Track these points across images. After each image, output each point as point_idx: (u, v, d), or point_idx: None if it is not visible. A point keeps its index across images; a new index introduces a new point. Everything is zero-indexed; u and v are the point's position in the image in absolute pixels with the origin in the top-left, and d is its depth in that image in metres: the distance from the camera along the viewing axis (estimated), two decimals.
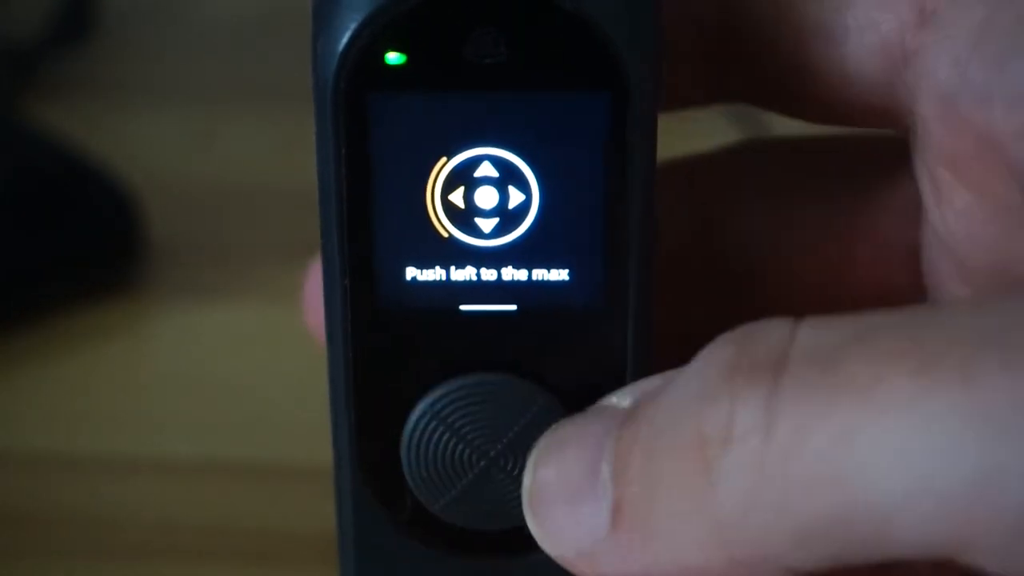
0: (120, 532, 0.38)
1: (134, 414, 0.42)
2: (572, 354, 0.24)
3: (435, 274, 0.23)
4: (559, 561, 0.22)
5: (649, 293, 0.23)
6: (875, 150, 0.27)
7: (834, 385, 0.18)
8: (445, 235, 0.23)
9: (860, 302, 0.27)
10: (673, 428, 0.20)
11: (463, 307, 0.23)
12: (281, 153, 0.54)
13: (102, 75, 0.59)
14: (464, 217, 0.23)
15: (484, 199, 0.23)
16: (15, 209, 0.46)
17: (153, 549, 0.38)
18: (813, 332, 0.19)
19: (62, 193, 0.47)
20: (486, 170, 0.23)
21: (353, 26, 0.21)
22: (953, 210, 0.25)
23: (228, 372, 0.44)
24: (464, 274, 0.23)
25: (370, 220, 0.23)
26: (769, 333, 0.20)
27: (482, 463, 0.24)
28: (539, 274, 0.23)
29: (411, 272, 0.23)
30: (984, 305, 0.19)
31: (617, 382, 0.23)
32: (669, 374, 0.22)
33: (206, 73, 0.60)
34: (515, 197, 0.23)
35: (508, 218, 0.23)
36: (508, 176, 0.23)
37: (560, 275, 0.23)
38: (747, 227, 0.28)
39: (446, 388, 0.24)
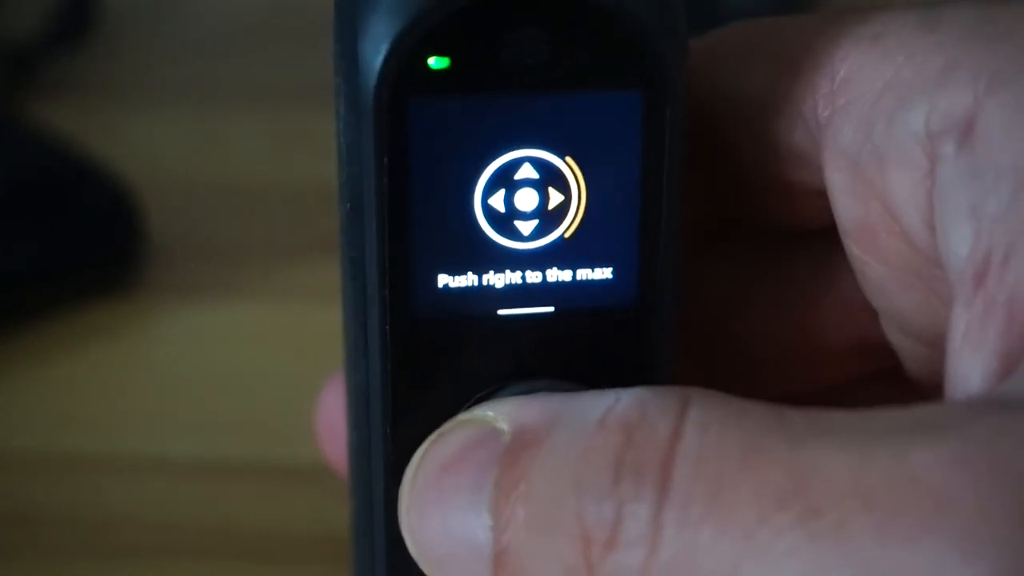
0: (120, 532, 0.38)
1: (134, 414, 0.42)
2: (607, 354, 0.24)
3: (475, 279, 0.23)
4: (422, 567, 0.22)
5: (682, 291, 0.23)
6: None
7: (721, 517, 0.19)
8: (486, 239, 0.23)
9: (831, 353, 0.27)
10: (555, 506, 0.20)
11: (501, 311, 0.23)
12: (281, 153, 0.54)
13: (101, 75, 0.59)
14: (504, 220, 0.23)
15: (525, 201, 0.23)
16: (14, 209, 0.46)
17: (153, 549, 0.38)
18: (699, 433, 0.20)
19: (61, 193, 0.47)
20: (527, 172, 0.22)
21: (395, 33, 0.21)
22: (871, 286, 0.25)
23: (228, 371, 0.44)
24: (503, 278, 0.23)
25: (412, 227, 0.22)
26: (655, 426, 0.20)
27: None
28: (577, 274, 0.23)
29: (451, 279, 0.23)
30: (868, 451, 0.19)
31: (648, 380, 0.23)
32: (548, 407, 0.22)
33: (205, 73, 0.60)
34: (555, 198, 0.23)
35: (548, 220, 0.23)
36: (549, 177, 0.23)
37: (598, 275, 0.23)
38: (709, 281, 0.28)
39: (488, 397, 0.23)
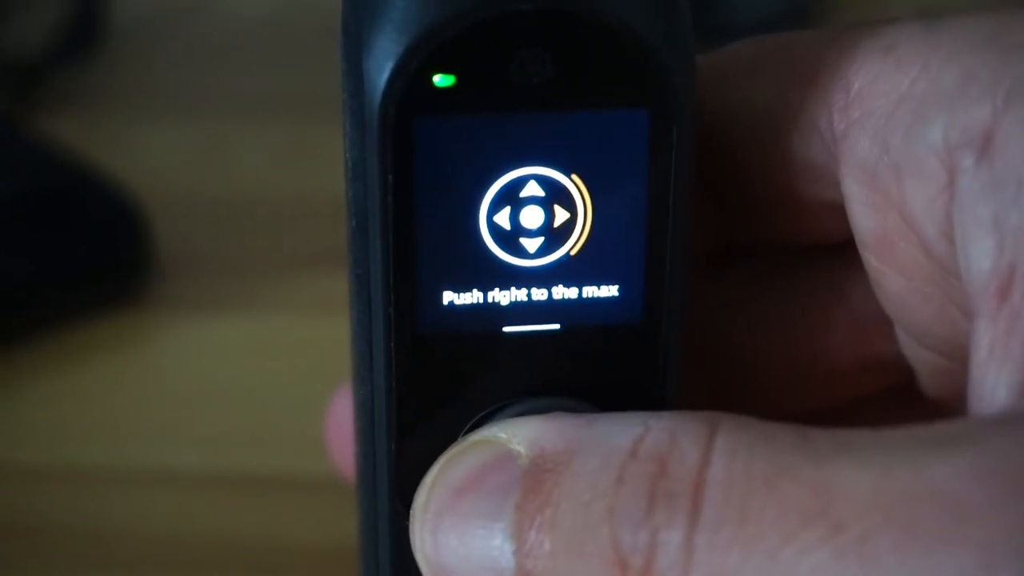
0: (124, 545, 0.38)
1: (141, 426, 0.42)
2: (613, 371, 0.23)
3: (480, 296, 0.23)
4: None
5: (686, 309, 0.23)
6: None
7: (747, 539, 0.19)
8: (491, 256, 0.23)
9: (843, 370, 0.27)
10: (587, 533, 0.21)
11: (507, 328, 0.23)
12: (287, 165, 0.54)
13: (108, 88, 0.59)
14: (510, 238, 0.23)
15: (530, 219, 0.23)
16: (22, 222, 0.46)
17: (158, 562, 0.38)
18: (726, 459, 0.20)
19: (69, 206, 0.47)
20: (533, 190, 0.22)
21: (401, 50, 0.21)
22: (889, 298, 0.25)
23: (235, 384, 0.44)
24: (509, 295, 0.23)
25: (417, 245, 0.22)
26: (685, 454, 0.20)
27: None
28: (583, 292, 0.23)
29: (456, 296, 0.23)
30: (889, 466, 0.19)
31: (654, 397, 0.23)
32: (568, 432, 0.22)
33: (212, 85, 0.60)
34: (560, 216, 0.23)
35: (553, 237, 0.23)
36: (555, 195, 0.22)
37: (604, 292, 0.23)
38: (719, 301, 0.28)
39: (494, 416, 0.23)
